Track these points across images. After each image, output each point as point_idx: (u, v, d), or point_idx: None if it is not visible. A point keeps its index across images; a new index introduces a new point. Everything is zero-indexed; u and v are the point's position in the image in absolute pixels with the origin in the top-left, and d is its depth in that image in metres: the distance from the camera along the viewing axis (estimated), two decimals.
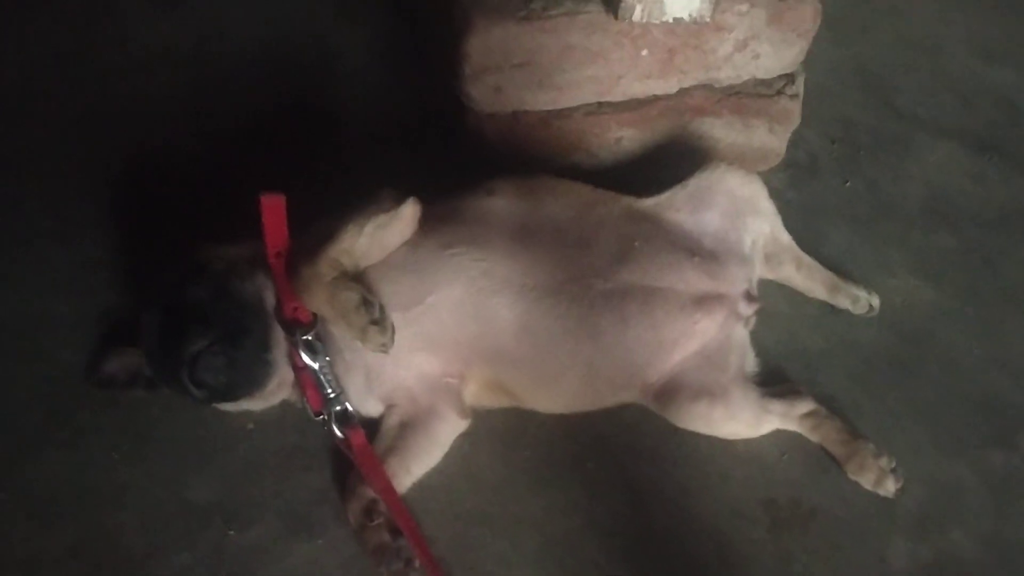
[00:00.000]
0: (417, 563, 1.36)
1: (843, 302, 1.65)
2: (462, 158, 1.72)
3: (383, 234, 1.38)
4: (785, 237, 1.63)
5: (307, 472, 1.47)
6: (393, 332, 1.33)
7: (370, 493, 1.40)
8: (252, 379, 1.39)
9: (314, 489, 1.45)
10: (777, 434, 1.52)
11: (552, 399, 1.50)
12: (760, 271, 1.62)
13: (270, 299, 1.40)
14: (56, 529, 1.41)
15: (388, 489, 1.38)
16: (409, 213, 1.41)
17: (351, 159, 1.80)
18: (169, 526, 1.42)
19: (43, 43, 1.96)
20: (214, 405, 1.45)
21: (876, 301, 1.65)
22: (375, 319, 1.31)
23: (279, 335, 1.40)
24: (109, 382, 1.48)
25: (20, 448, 1.46)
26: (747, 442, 1.51)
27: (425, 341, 1.41)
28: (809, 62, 1.73)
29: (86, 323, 1.58)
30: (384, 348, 1.32)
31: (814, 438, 1.51)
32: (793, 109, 1.76)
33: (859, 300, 1.64)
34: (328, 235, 1.35)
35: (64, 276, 1.64)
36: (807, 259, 1.65)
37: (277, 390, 1.44)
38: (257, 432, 1.50)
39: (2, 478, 1.43)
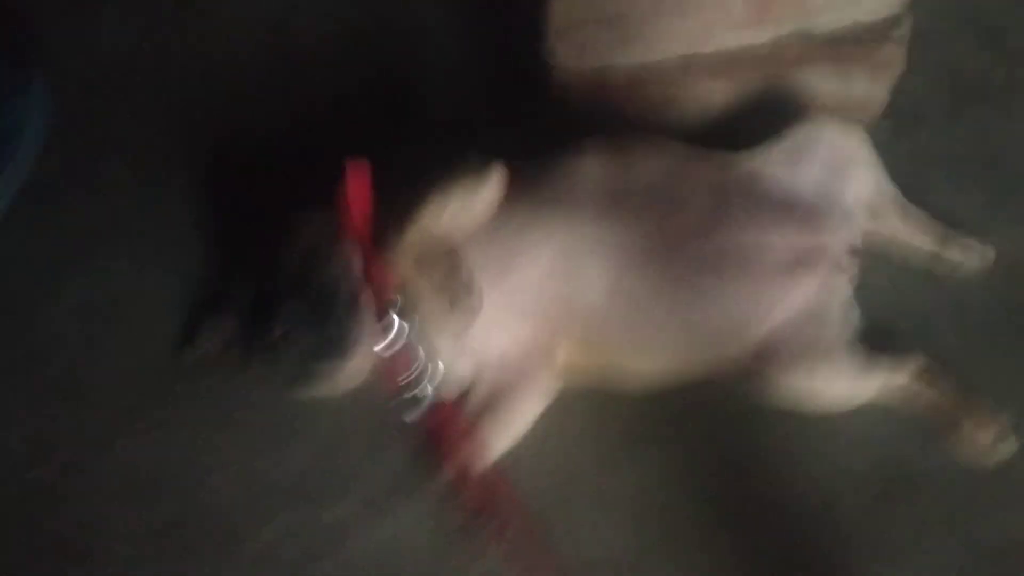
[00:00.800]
0: (512, 529, 1.34)
1: (954, 254, 1.55)
2: (548, 122, 1.68)
3: (471, 199, 1.36)
4: (890, 188, 1.55)
5: (393, 447, 1.45)
6: (481, 299, 1.31)
7: (460, 461, 1.38)
8: (338, 359, 1.38)
9: (401, 463, 1.44)
10: (868, 409, 1.44)
11: (647, 363, 1.46)
12: (864, 224, 1.53)
13: (357, 269, 1.39)
14: (150, 505, 1.43)
15: (479, 456, 1.37)
16: (496, 177, 1.38)
17: (435, 129, 1.77)
18: (256, 502, 1.43)
19: (126, 19, 1.97)
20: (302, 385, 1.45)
21: (991, 253, 1.55)
22: (464, 285, 1.29)
23: (367, 306, 1.38)
24: (200, 358, 1.49)
25: (115, 425, 1.49)
26: (839, 416, 1.44)
27: (515, 305, 1.39)
28: (914, 2, 1.62)
29: (176, 298, 1.60)
30: (472, 314, 1.30)
31: (923, 400, 1.43)
32: (897, 55, 1.66)
33: (972, 251, 1.55)
34: (415, 203, 1.34)
35: (153, 250, 1.66)
36: (913, 210, 1.56)
37: (362, 367, 1.43)
38: (342, 407, 1.48)
39: (99, 455, 1.47)
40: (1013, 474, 1.39)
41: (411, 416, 1.41)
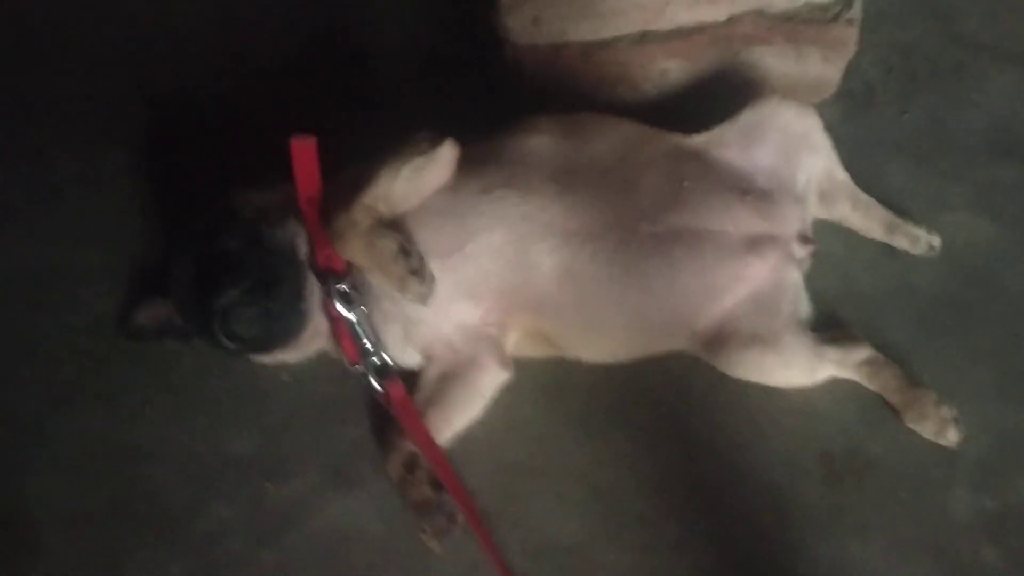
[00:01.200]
0: (460, 517, 1.33)
1: (902, 242, 1.56)
2: (500, 97, 1.64)
3: (420, 178, 1.32)
4: (841, 174, 1.55)
5: (345, 424, 1.44)
6: (433, 281, 1.28)
7: (410, 446, 1.36)
8: (286, 330, 1.35)
9: (353, 442, 1.42)
10: (832, 382, 1.45)
11: (597, 348, 1.44)
12: (814, 210, 1.53)
13: (303, 247, 1.35)
14: (94, 485, 1.39)
15: (428, 442, 1.35)
16: (446, 155, 1.34)
17: (385, 100, 1.72)
18: (207, 480, 1.40)
19: None
20: (248, 357, 1.41)
21: (937, 241, 1.56)
22: (413, 268, 1.26)
23: (313, 284, 1.35)
24: (141, 333, 1.45)
25: (53, 402, 1.44)
26: (801, 391, 1.45)
27: (465, 289, 1.36)
28: None
29: (117, 273, 1.56)
30: (423, 298, 1.27)
31: (872, 386, 1.44)
32: (850, 36, 1.65)
33: (919, 240, 1.55)
34: (363, 180, 1.30)
35: (94, 225, 1.60)
36: (864, 197, 1.56)
37: (312, 341, 1.40)
38: (293, 384, 1.47)
39: (37, 432, 1.42)
40: (960, 453, 1.41)
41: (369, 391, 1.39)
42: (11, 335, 1.49)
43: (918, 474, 1.41)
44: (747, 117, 1.47)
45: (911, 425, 1.42)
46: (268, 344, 1.35)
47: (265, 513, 1.38)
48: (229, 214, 1.37)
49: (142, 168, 1.64)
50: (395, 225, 1.31)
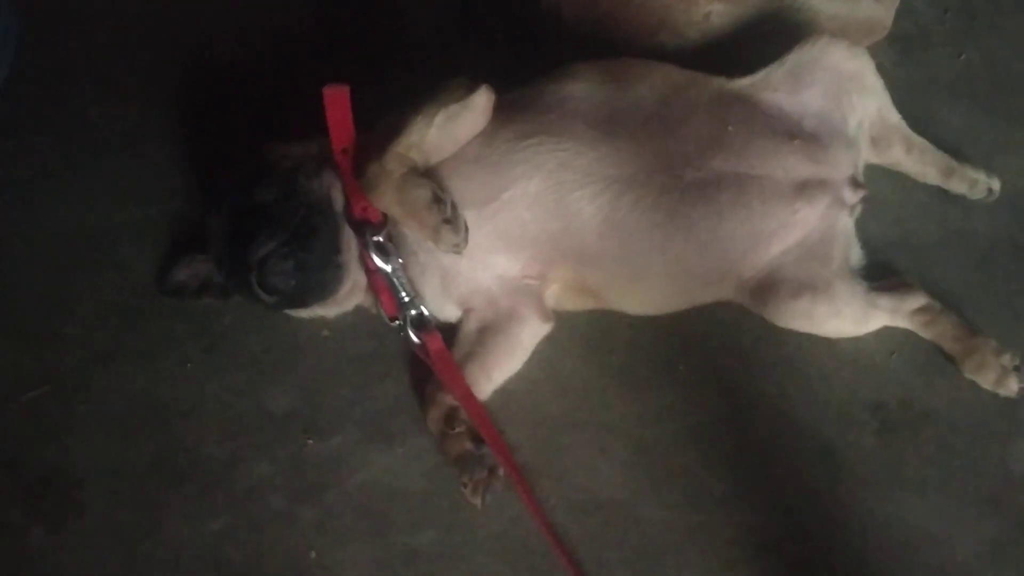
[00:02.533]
0: (501, 472, 1.31)
1: (959, 186, 1.49)
2: (538, 45, 1.60)
3: (454, 125, 1.29)
4: (894, 116, 1.48)
5: (385, 380, 1.42)
6: (467, 231, 1.25)
7: (450, 400, 1.34)
8: (323, 283, 1.33)
9: (392, 397, 1.41)
10: (886, 332, 1.40)
11: (639, 299, 1.40)
12: (866, 154, 1.47)
13: (339, 199, 1.33)
14: (136, 441, 1.40)
15: (468, 396, 1.32)
16: (482, 102, 1.30)
17: (421, 50, 1.69)
18: (247, 436, 1.40)
19: None
20: (286, 312, 1.40)
21: (996, 184, 1.49)
22: (447, 217, 1.23)
23: (349, 237, 1.33)
24: (180, 290, 1.44)
25: (94, 360, 1.44)
26: (853, 341, 1.40)
27: (503, 239, 1.33)
28: None
29: (156, 231, 1.54)
30: (457, 249, 1.24)
31: (927, 335, 1.39)
32: None
33: (977, 183, 1.48)
34: (396, 129, 1.27)
35: (132, 184, 1.59)
36: (918, 140, 1.50)
37: (350, 295, 1.38)
38: (332, 340, 1.45)
39: (79, 390, 1.42)
40: (1021, 404, 1.36)
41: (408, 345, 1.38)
42: (52, 295, 1.49)
43: (976, 426, 1.36)
44: (795, 58, 1.41)
45: (969, 375, 1.37)
46: (306, 297, 1.33)
47: (305, 469, 1.37)
48: (264, 167, 1.35)
49: (178, 125, 1.62)
50: (429, 174, 1.28)
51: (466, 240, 1.25)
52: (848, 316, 1.37)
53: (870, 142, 1.47)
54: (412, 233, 1.31)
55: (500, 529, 1.32)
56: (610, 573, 1.30)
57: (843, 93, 1.42)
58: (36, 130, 1.64)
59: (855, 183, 1.40)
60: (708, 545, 1.31)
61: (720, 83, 1.42)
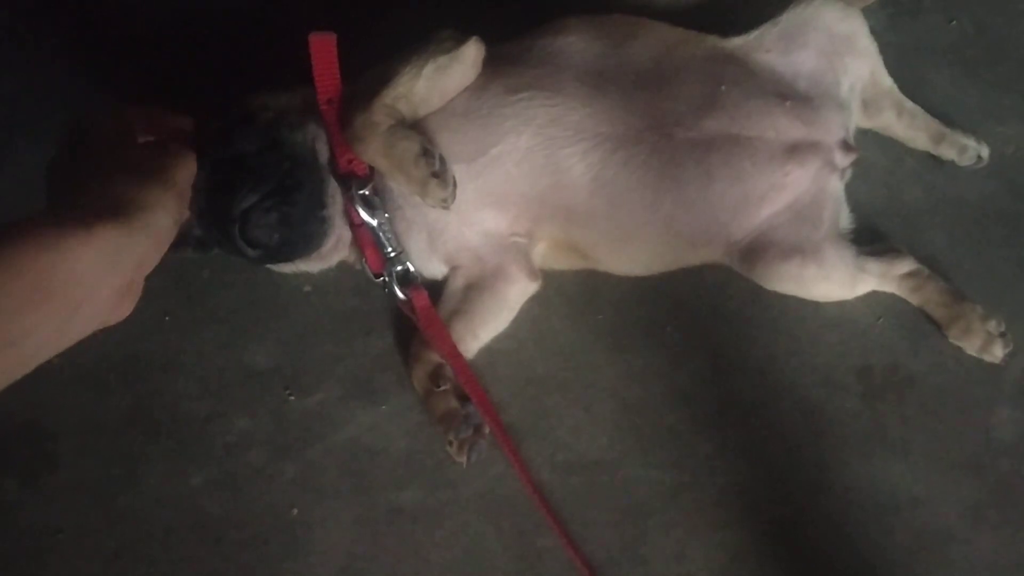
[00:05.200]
0: (487, 430, 1.30)
1: (948, 152, 1.48)
2: None
3: (443, 77, 1.26)
4: (886, 80, 1.47)
5: (369, 336, 1.40)
6: (455, 186, 1.23)
7: (435, 358, 1.33)
8: (307, 237, 1.30)
9: (376, 354, 1.39)
10: (872, 297, 1.40)
11: (628, 259, 1.39)
12: (857, 118, 1.46)
13: (323, 151, 1.30)
14: (112, 395, 1.37)
15: (454, 354, 1.31)
16: (471, 54, 1.27)
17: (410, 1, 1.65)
18: (227, 392, 1.37)
19: None
20: (268, 267, 1.37)
21: (985, 151, 1.48)
22: (435, 171, 1.20)
23: (334, 190, 1.30)
24: None
25: None
26: (840, 305, 1.40)
27: (490, 196, 1.30)
28: None
29: None
30: (445, 203, 1.22)
31: (914, 300, 1.39)
32: None
33: (967, 150, 1.48)
34: (383, 79, 1.23)
35: None
36: (909, 105, 1.49)
37: (335, 250, 1.36)
38: (315, 295, 1.42)
39: None
40: (1004, 370, 1.37)
41: (393, 302, 1.36)
42: None
43: (960, 392, 1.37)
44: (789, 18, 1.39)
45: (955, 341, 1.37)
46: (290, 251, 1.30)
47: (287, 425, 1.35)
48: (246, 118, 1.30)
49: (156, 74, 1.57)
50: (417, 128, 1.25)
51: (454, 195, 1.23)
52: (837, 280, 1.36)
53: (861, 105, 1.46)
54: (399, 187, 1.28)
55: (485, 488, 1.32)
56: (595, 532, 1.30)
57: (836, 55, 1.41)
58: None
59: (846, 146, 1.38)
60: (693, 505, 1.31)
61: (713, 42, 1.40)
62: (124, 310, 0.88)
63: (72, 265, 0.77)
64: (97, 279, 0.80)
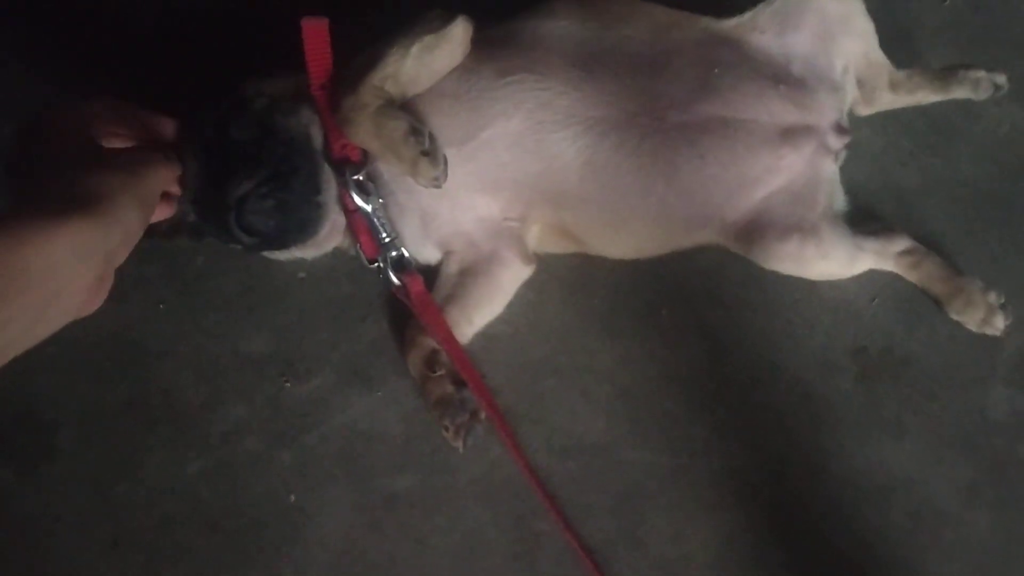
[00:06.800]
0: (483, 415, 1.30)
1: (962, 91, 1.48)
2: None
3: (431, 57, 1.25)
4: (879, 57, 1.46)
5: (364, 322, 1.40)
6: (446, 164, 1.22)
7: (431, 343, 1.33)
8: (303, 223, 1.29)
9: (371, 340, 1.39)
10: (867, 278, 1.40)
11: (621, 243, 1.39)
12: (852, 101, 1.46)
13: (317, 136, 1.29)
14: (109, 384, 1.37)
15: (449, 339, 1.31)
16: (459, 33, 1.26)
17: None
18: (223, 379, 1.37)
19: None
20: (263, 254, 1.37)
21: (1002, 79, 1.48)
22: (425, 150, 1.19)
23: (329, 176, 1.29)
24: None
25: None
26: (835, 287, 1.40)
27: (482, 180, 1.30)
28: None
29: None
30: (436, 182, 1.21)
31: (913, 277, 1.39)
32: None
33: (980, 82, 1.48)
34: (372, 61, 1.23)
35: None
36: (902, 74, 1.48)
37: (329, 236, 1.35)
38: (309, 282, 1.42)
39: None
40: (999, 350, 1.38)
41: (388, 287, 1.35)
42: None
43: (955, 372, 1.37)
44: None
45: (955, 315, 1.37)
46: (285, 238, 1.30)
47: (283, 412, 1.35)
48: (240, 105, 1.30)
49: (147, 62, 1.57)
50: (407, 110, 1.24)
51: (445, 174, 1.22)
52: (835, 258, 1.36)
53: (857, 86, 1.46)
54: (391, 171, 1.28)
55: (481, 473, 1.32)
56: (591, 516, 1.31)
57: (831, 36, 1.40)
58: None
59: (840, 129, 1.38)
60: (689, 488, 1.32)
61: (706, 23, 1.39)
62: (96, 302, 0.89)
63: (46, 258, 0.77)
64: (70, 271, 0.81)
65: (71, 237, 0.80)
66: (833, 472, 1.32)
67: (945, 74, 1.47)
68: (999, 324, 1.35)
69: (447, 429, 1.30)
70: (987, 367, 1.37)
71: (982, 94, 1.47)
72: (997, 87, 1.47)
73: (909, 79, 1.47)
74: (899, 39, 1.57)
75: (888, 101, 1.47)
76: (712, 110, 1.32)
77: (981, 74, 1.46)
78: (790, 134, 1.34)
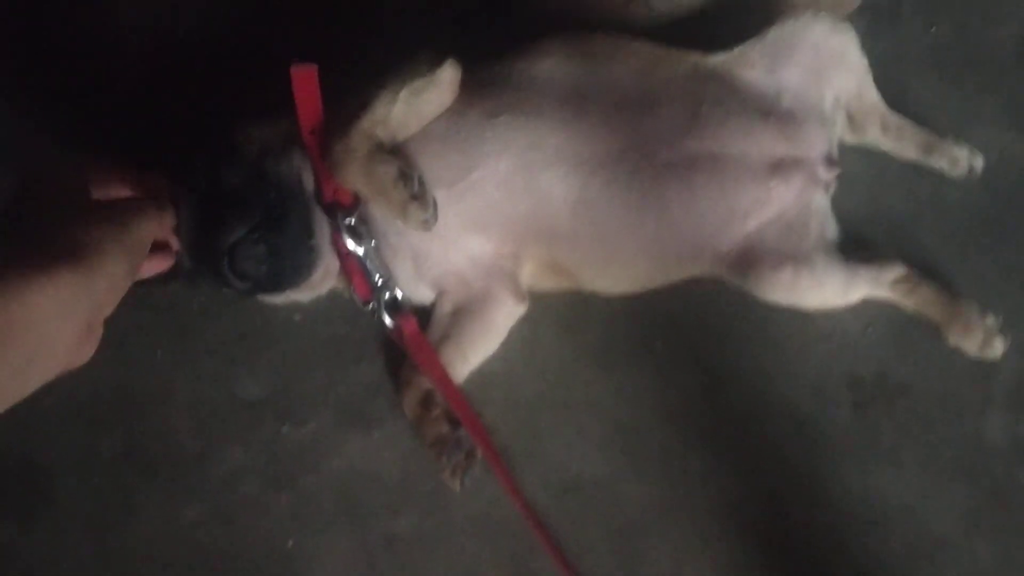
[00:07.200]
0: (479, 454, 1.30)
1: (939, 163, 1.48)
2: (507, 18, 1.58)
3: (420, 101, 1.26)
4: (873, 95, 1.46)
5: (359, 364, 1.40)
6: (435, 207, 1.23)
7: (426, 383, 1.33)
8: (296, 267, 1.30)
9: (367, 381, 1.39)
10: (861, 307, 1.40)
11: (614, 278, 1.39)
12: (842, 132, 1.46)
13: (309, 180, 1.30)
14: (106, 431, 1.37)
15: (444, 379, 1.31)
16: (447, 77, 1.27)
17: (387, 24, 1.65)
18: (221, 424, 1.38)
19: None
20: (257, 298, 1.38)
21: (979, 161, 1.47)
22: (415, 193, 1.20)
23: (321, 219, 1.30)
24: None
25: None
26: (828, 316, 1.40)
27: (474, 220, 1.31)
28: None
29: None
30: (427, 225, 1.22)
31: (909, 304, 1.39)
32: None
33: (958, 160, 1.47)
34: (361, 106, 1.24)
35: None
36: (895, 118, 1.48)
37: (323, 279, 1.36)
38: (305, 324, 1.43)
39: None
40: (995, 375, 1.38)
41: (382, 329, 1.36)
42: None
43: (951, 398, 1.37)
44: (775, 34, 1.39)
45: (955, 340, 1.37)
46: (279, 282, 1.30)
47: (280, 456, 1.36)
48: (231, 150, 1.31)
49: (138, 110, 1.58)
50: (397, 153, 1.25)
51: (435, 216, 1.23)
52: (830, 287, 1.36)
53: (847, 119, 1.46)
54: (382, 213, 1.28)
55: (480, 511, 1.32)
56: (590, 551, 1.30)
57: (823, 70, 1.40)
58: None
59: (830, 160, 1.39)
60: (688, 521, 1.32)
61: (695, 59, 1.39)
62: (85, 354, 0.88)
63: (30, 311, 0.77)
64: (55, 324, 0.80)
65: (55, 290, 0.79)
66: (831, 502, 1.32)
67: (931, 142, 1.47)
68: (998, 348, 1.35)
69: (443, 469, 1.30)
70: (983, 393, 1.37)
71: (957, 172, 1.47)
72: (972, 169, 1.47)
73: (899, 130, 1.48)
74: (886, 67, 1.57)
75: (875, 138, 1.48)
76: (701, 146, 1.32)
77: (962, 153, 1.47)
78: (780, 166, 1.35)
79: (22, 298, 0.76)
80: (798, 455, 1.34)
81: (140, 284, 1.38)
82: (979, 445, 1.35)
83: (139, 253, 0.95)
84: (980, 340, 1.36)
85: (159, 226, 1.02)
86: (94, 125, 1.58)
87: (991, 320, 1.36)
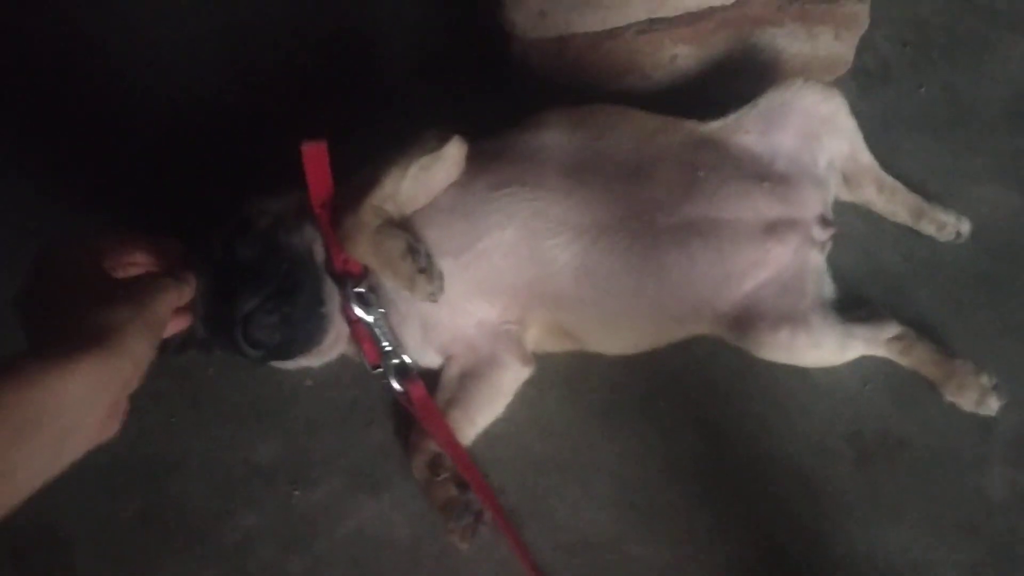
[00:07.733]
0: (487, 516, 1.33)
1: (928, 228, 1.53)
2: (509, 93, 1.63)
3: (428, 176, 1.31)
4: (866, 157, 1.51)
5: (369, 427, 1.44)
6: (442, 280, 1.27)
7: (434, 447, 1.36)
8: (307, 335, 1.34)
9: (377, 445, 1.42)
10: (859, 363, 1.43)
11: (617, 340, 1.43)
12: (837, 191, 1.51)
13: (320, 252, 1.35)
14: (123, 498, 1.40)
15: (452, 442, 1.34)
16: (454, 152, 1.33)
17: (394, 101, 1.72)
18: (234, 489, 1.41)
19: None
20: (270, 364, 1.41)
21: (966, 227, 1.52)
22: (422, 267, 1.25)
23: (332, 289, 1.34)
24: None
25: None
26: (828, 373, 1.43)
27: (480, 287, 1.35)
28: None
29: None
30: (433, 297, 1.26)
31: (905, 362, 1.42)
32: (861, 12, 1.63)
33: (946, 226, 1.52)
34: (371, 181, 1.29)
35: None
36: (889, 181, 1.53)
37: (334, 345, 1.40)
38: (316, 389, 1.46)
39: None
40: (994, 429, 1.40)
41: (391, 393, 1.39)
42: None
43: (951, 453, 1.39)
44: (768, 101, 1.44)
45: (950, 397, 1.40)
46: (290, 350, 1.34)
47: (293, 520, 1.38)
48: (244, 224, 1.36)
49: (153, 183, 1.64)
50: (405, 225, 1.30)
51: (441, 288, 1.27)
52: (827, 347, 1.40)
53: (842, 180, 1.51)
54: (389, 283, 1.32)
55: (489, 573, 1.33)
56: None
57: (815, 134, 1.45)
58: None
59: (824, 221, 1.43)
60: None
61: (691, 127, 1.45)
62: (112, 428, 0.92)
63: (58, 398, 0.80)
64: (83, 407, 0.83)
65: (82, 377, 0.82)
66: (835, 558, 1.33)
67: (921, 208, 1.53)
68: (993, 405, 1.38)
69: (452, 532, 1.32)
70: (983, 447, 1.39)
71: (944, 237, 1.53)
72: (959, 234, 1.52)
73: (893, 192, 1.53)
74: (877, 127, 1.62)
75: (871, 198, 1.53)
76: (698, 211, 1.37)
77: (949, 218, 1.52)
78: (775, 228, 1.39)
79: (52, 387, 0.79)
80: (803, 511, 1.35)
81: (158, 353, 1.43)
82: (981, 500, 1.36)
83: (159, 329, 0.98)
84: (975, 398, 1.39)
85: (178, 298, 1.05)
86: (110, 196, 1.64)
87: (985, 379, 1.39)
